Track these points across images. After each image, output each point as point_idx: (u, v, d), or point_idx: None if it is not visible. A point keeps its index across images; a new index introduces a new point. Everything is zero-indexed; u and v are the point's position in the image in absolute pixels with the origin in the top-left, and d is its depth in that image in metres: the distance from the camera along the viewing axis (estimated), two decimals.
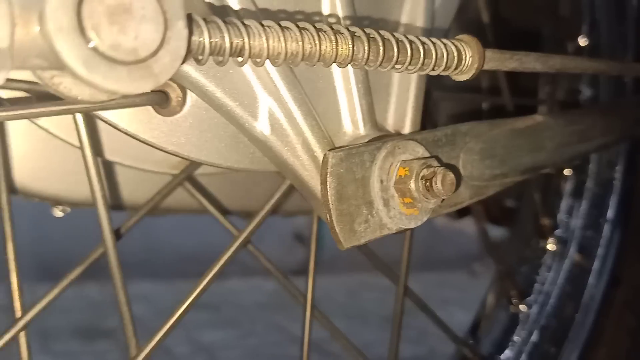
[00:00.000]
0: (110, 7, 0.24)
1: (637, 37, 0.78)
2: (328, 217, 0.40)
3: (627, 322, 0.75)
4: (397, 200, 0.42)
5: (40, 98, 0.42)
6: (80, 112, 0.39)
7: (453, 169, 0.45)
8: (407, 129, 0.49)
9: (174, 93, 0.43)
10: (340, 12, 0.44)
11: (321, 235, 0.60)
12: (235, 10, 0.40)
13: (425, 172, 0.42)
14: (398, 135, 0.47)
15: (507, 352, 0.75)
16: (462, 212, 0.90)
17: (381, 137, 0.45)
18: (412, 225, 0.44)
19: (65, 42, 0.23)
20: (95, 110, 0.38)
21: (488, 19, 0.79)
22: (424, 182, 0.42)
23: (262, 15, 0.41)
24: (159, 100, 0.41)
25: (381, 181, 0.42)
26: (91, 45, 0.24)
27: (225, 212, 0.61)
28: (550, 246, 0.81)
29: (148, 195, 0.53)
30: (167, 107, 0.42)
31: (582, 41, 0.88)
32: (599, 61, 0.55)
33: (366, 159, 0.42)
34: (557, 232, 0.82)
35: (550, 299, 0.77)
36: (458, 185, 0.44)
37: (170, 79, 0.40)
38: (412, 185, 0.42)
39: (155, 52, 0.25)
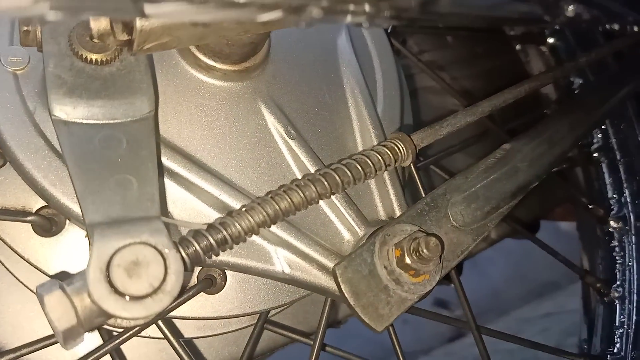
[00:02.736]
0: (126, 268, 0.38)
1: None
2: (356, 315, 0.50)
3: None
4: (405, 277, 0.52)
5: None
6: (151, 325, 0.52)
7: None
8: (397, 212, 0.59)
9: (216, 273, 0.56)
10: (308, 164, 0.57)
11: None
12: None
13: (413, 245, 0.51)
14: (390, 221, 0.58)
15: (617, 343, 0.77)
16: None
17: (376, 230, 0.56)
18: (429, 287, 0.53)
19: (107, 303, 0.37)
20: (164, 316, 0.52)
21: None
22: (415, 253, 0.51)
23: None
24: (208, 285, 0.55)
25: (385, 267, 0.52)
26: (126, 297, 0.37)
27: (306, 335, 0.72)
28: (613, 226, 0.84)
29: (234, 354, 0.65)
30: (215, 286, 0.56)
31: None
32: (526, 83, 0.63)
33: (366, 257, 0.52)
34: (613, 213, 0.85)
35: (634, 274, 0.79)
36: (442, 242, 0.53)
37: (209, 265, 0.54)
38: (408, 260, 0.51)
39: (164, 279, 0.38)
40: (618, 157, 0.87)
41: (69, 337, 0.37)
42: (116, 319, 0.40)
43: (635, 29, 0.53)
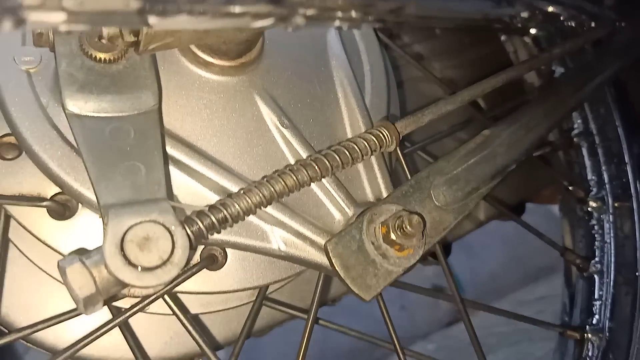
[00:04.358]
0: (138, 243, 0.42)
1: None
2: (346, 286, 0.55)
3: None
4: (391, 251, 0.57)
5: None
6: (160, 297, 0.57)
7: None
8: (384, 193, 0.63)
9: (217, 251, 0.61)
10: (301, 152, 0.61)
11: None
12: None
13: (397, 222, 0.56)
14: (377, 202, 0.62)
15: (595, 315, 0.82)
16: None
17: (365, 210, 0.60)
18: (413, 261, 0.58)
19: (123, 274, 0.41)
20: (173, 289, 0.56)
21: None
22: (399, 230, 0.56)
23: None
24: (210, 262, 0.60)
25: (372, 243, 0.57)
26: (139, 268, 0.42)
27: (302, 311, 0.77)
28: (592, 205, 0.89)
29: (235, 330, 0.70)
30: (217, 264, 0.60)
31: None
32: (503, 73, 0.67)
33: (355, 234, 0.57)
34: (592, 194, 0.90)
35: (611, 250, 0.85)
36: (423, 220, 0.58)
37: (209, 245, 0.59)
38: (393, 236, 0.56)
39: (172, 253, 0.43)
40: (597, 141, 0.92)
41: (89, 303, 0.42)
42: (129, 288, 0.45)
43: (592, 24, 0.57)
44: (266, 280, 0.61)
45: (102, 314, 0.62)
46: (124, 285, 0.42)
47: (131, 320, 0.69)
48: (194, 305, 0.67)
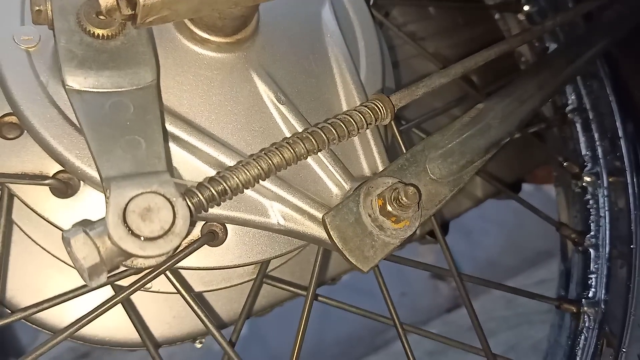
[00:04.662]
0: (140, 214, 0.43)
1: None
2: (344, 258, 0.56)
3: None
4: (387, 223, 0.58)
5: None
6: (163, 273, 0.58)
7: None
8: (380, 167, 0.64)
9: (218, 227, 0.62)
10: (298, 127, 0.62)
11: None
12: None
13: (393, 194, 0.57)
14: (373, 176, 0.63)
15: (592, 288, 0.83)
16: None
17: (361, 184, 0.61)
18: (410, 232, 0.59)
19: (126, 243, 0.42)
20: (175, 264, 0.57)
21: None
22: (395, 201, 0.57)
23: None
24: (211, 238, 0.60)
25: (369, 215, 0.58)
26: (141, 238, 0.43)
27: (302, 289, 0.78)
28: (586, 180, 0.90)
29: (237, 310, 0.71)
30: (217, 239, 0.61)
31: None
32: (496, 46, 0.68)
33: (352, 206, 0.58)
34: (586, 169, 0.91)
35: (606, 224, 0.86)
36: (419, 191, 0.58)
37: (209, 221, 0.60)
38: (390, 208, 0.57)
39: (173, 223, 0.44)
40: (591, 116, 0.93)
41: (93, 273, 0.43)
42: (132, 260, 0.46)
43: None
44: (266, 255, 0.62)
45: (105, 294, 0.63)
46: (128, 255, 0.43)
47: (135, 301, 0.70)
48: (196, 283, 0.68)
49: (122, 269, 0.52)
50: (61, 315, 0.68)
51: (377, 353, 2.04)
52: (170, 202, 0.45)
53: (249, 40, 0.63)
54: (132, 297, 0.69)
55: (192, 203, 0.47)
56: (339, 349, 2.14)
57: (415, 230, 0.59)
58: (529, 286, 0.93)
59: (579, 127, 0.94)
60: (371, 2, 0.82)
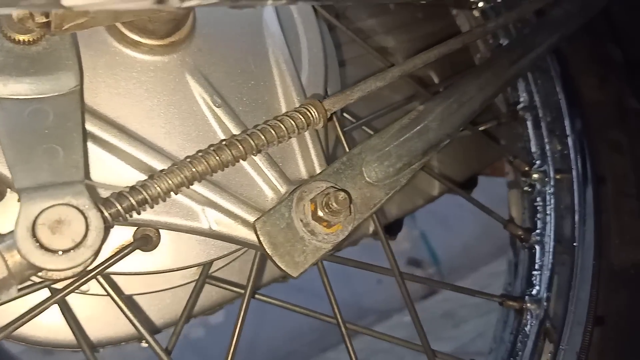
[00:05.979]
0: (50, 226, 0.43)
1: None
2: (274, 263, 0.56)
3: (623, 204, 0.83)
4: (319, 228, 0.58)
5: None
6: (92, 279, 0.57)
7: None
8: (318, 170, 0.64)
9: (151, 232, 0.61)
10: (234, 130, 0.62)
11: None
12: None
13: (325, 200, 0.57)
14: (309, 179, 0.63)
15: (535, 286, 0.84)
16: None
17: (297, 188, 0.61)
18: (342, 237, 0.59)
19: (34, 257, 0.42)
20: (105, 270, 0.57)
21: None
22: (326, 207, 0.57)
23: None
24: (143, 243, 0.60)
25: (301, 220, 0.58)
26: (52, 251, 0.43)
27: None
28: (534, 177, 0.91)
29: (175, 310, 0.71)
30: (151, 244, 0.61)
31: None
32: (436, 48, 0.68)
33: (284, 212, 0.58)
34: (535, 166, 0.92)
35: (551, 221, 0.87)
36: (350, 196, 0.58)
37: (139, 226, 0.59)
38: (321, 213, 0.57)
39: (85, 235, 0.44)
40: (540, 114, 0.94)
41: (2, 287, 0.42)
42: (46, 272, 0.46)
43: None
44: (201, 258, 0.62)
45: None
46: (37, 268, 0.43)
47: (76, 302, 0.70)
48: (136, 285, 0.68)
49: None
50: None
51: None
52: (83, 214, 0.44)
53: (184, 42, 0.62)
54: (77, 298, 0.69)
55: (109, 213, 0.46)
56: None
57: (348, 235, 0.60)
58: (502, 273, 0.94)
59: (529, 124, 0.95)
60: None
